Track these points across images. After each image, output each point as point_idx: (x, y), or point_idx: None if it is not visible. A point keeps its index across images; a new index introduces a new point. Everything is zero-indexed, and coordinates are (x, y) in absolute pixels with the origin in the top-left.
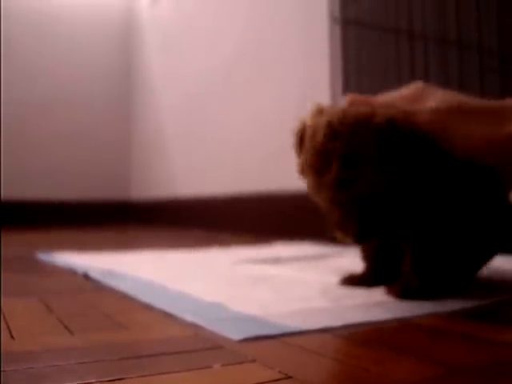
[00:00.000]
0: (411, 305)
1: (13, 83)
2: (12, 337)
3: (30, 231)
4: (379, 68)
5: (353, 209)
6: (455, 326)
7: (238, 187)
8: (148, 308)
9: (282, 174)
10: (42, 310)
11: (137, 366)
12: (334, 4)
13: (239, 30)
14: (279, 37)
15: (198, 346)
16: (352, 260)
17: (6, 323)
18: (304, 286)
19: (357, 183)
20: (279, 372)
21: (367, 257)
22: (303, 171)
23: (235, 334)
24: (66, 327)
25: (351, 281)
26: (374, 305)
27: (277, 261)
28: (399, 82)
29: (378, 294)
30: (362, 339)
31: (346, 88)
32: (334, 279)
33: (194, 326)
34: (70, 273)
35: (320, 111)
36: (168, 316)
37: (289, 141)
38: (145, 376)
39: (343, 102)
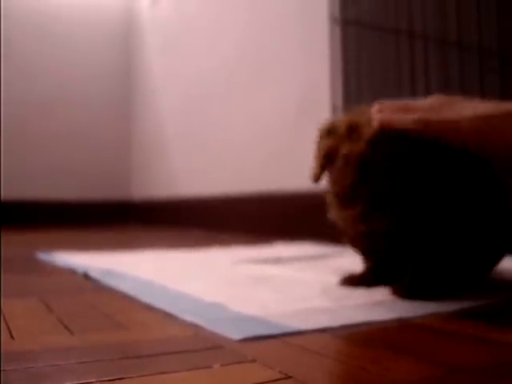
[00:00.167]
0: (412, 305)
1: (12, 83)
2: (12, 337)
3: (29, 231)
4: (379, 69)
5: (369, 236)
6: (456, 326)
7: (238, 187)
8: (148, 308)
9: (283, 174)
10: (42, 310)
11: (137, 366)
12: (333, 5)
13: (239, 30)
14: (279, 38)
15: (197, 345)
16: (352, 260)
17: (6, 323)
18: (304, 285)
19: (377, 221)
20: (279, 372)
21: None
22: (328, 190)
23: (235, 333)
24: (65, 327)
25: (351, 281)
26: (374, 305)
27: (277, 261)
28: (399, 83)
29: (377, 294)
30: (361, 339)
31: (346, 89)
32: (334, 279)
33: (194, 326)
34: (70, 273)
35: (353, 128)
36: (168, 316)
37: (288, 141)
38: (145, 376)
39: (367, 109)
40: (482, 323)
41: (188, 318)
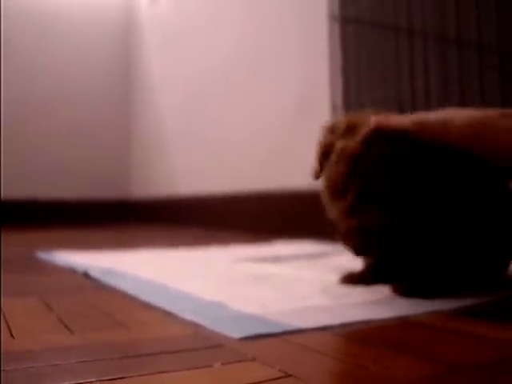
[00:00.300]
0: (411, 303)
1: (12, 82)
2: (12, 336)
3: (29, 230)
4: (378, 66)
5: (360, 232)
6: (456, 324)
7: (237, 186)
8: (148, 307)
9: (282, 172)
10: (42, 309)
11: (137, 365)
12: (333, 2)
13: (238, 28)
14: (278, 36)
15: (198, 344)
16: (351, 258)
17: (6, 322)
18: (304, 284)
19: (367, 215)
20: (279, 370)
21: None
22: (322, 185)
23: (235, 332)
24: (65, 326)
25: (351, 279)
26: (374, 303)
27: (277, 259)
28: (398, 81)
29: (377, 292)
30: (361, 337)
31: (346, 87)
32: (334, 277)
33: (194, 325)
34: (70, 272)
35: (351, 127)
36: (168, 315)
37: (287, 139)
38: (145, 375)
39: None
40: (482, 321)
41: (188, 316)
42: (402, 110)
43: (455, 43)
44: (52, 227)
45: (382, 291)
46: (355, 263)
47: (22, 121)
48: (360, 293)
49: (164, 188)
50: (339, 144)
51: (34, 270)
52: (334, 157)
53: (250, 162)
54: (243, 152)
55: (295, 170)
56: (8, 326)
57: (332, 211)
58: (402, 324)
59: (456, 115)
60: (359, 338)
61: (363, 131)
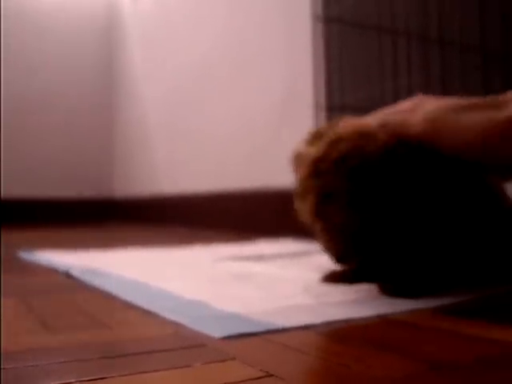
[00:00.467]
0: (393, 301)
1: None
2: None
3: (10, 230)
4: (362, 66)
5: (330, 235)
6: (438, 323)
7: (221, 184)
8: (130, 306)
9: (266, 170)
10: (23, 310)
11: (118, 365)
12: (316, 1)
13: (221, 24)
14: (262, 33)
15: (179, 344)
16: None
17: None
18: (286, 283)
19: (331, 216)
20: (260, 370)
21: None
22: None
23: (217, 331)
24: (46, 327)
25: (333, 278)
26: (356, 302)
27: (260, 258)
28: (382, 80)
29: (359, 291)
30: (343, 336)
31: (329, 86)
32: (317, 276)
33: (176, 324)
34: (52, 271)
35: (316, 137)
36: (150, 314)
37: (272, 137)
38: (125, 375)
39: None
40: (464, 319)
41: (169, 316)
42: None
43: (438, 43)
44: (34, 226)
45: (364, 290)
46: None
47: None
48: (342, 291)
49: (147, 186)
50: (304, 150)
51: (15, 269)
52: (297, 161)
53: (234, 160)
54: (227, 150)
55: (279, 168)
56: None
57: (300, 214)
58: (384, 322)
59: (417, 108)
60: (341, 337)
61: (327, 136)
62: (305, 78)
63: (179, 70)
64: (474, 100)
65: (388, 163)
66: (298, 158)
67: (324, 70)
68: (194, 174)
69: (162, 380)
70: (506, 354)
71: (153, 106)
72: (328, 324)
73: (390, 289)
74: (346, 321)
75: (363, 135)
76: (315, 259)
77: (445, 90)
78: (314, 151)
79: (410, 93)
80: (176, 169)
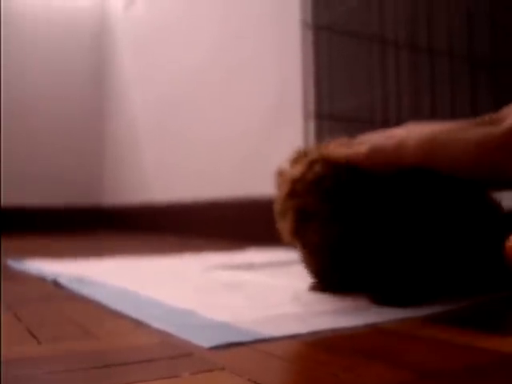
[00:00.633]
0: (382, 310)
1: None
2: None
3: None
4: (351, 73)
5: (309, 255)
6: (426, 331)
7: (212, 192)
8: (118, 316)
9: (257, 179)
10: (10, 319)
11: (104, 376)
12: (306, 10)
13: (213, 33)
14: (253, 39)
15: (166, 353)
16: None
17: None
18: (276, 292)
19: (308, 235)
20: (248, 380)
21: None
22: None
23: (205, 341)
24: (33, 336)
25: (322, 287)
26: (345, 311)
27: (250, 267)
28: (371, 88)
29: (348, 300)
30: (331, 345)
31: (319, 93)
32: (306, 285)
33: (164, 334)
34: (40, 280)
35: (301, 156)
36: (138, 324)
37: (263, 145)
38: None
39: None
40: (453, 327)
41: (158, 325)
42: (373, 119)
43: (426, 51)
44: (22, 235)
45: (353, 299)
46: None
47: None
48: (330, 301)
49: (138, 195)
50: (286, 168)
51: (3, 278)
52: (279, 180)
53: (226, 168)
54: (218, 157)
55: (269, 176)
56: None
57: (281, 233)
58: (372, 331)
59: (409, 134)
60: (329, 346)
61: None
62: (295, 85)
63: (170, 76)
64: (468, 121)
65: (361, 182)
66: (280, 176)
67: (313, 78)
68: (185, 181)
69: None
70: (493, 362)
71: (143, 111)
72: (316, 333)
73: (379, 298)
74: (335, 330)
75: (340, 158)
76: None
77: (433, 99)
78: (293, 171)
79: (398, 101)
80: (167, 176)
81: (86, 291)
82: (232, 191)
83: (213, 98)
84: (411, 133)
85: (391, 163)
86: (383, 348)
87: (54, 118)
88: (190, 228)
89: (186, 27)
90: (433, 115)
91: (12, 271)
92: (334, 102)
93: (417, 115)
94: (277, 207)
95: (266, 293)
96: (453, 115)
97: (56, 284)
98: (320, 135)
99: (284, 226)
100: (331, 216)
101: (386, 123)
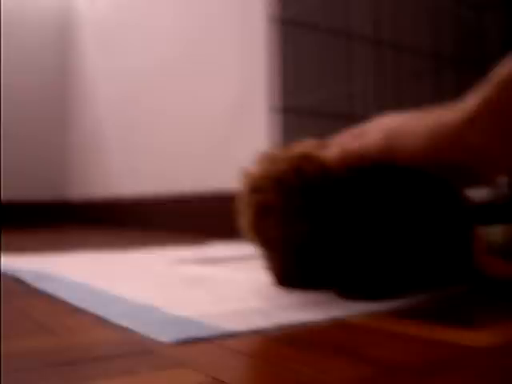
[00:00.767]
0: (346, 305)
1: None
2: None
3: None
4: (317, 68)
5: (269, 252)
6: (391, 325)
7: (177, 186)
8: (79, 312)
9: (221, 173)
10: None
11: (60, 374)
12: (271, 3)
13: (176, 27)
14: (218, 33)
15: (126, 350)
16: None
17: None
18: (239, 286)
19: (268, 230)
20: (209, 376)
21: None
22: None
23: (166, 336)
24: None
25: (286, 281)
26: (309, 305)
27: (213, 261)
28: (336, 83)
29: (312, 294)
30: (294, 340)
31: (284, 87)
32: (270, 279)
33: (125, 330)
34: (0, 276)
35: (266, 158)
36: (98, 320)
37: (227, 140)
38: None
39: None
40: (416, 321)
41: (118, 321)
42: (338, 113)
43: (392, 47)
44: None
45: (317, 293)
46: None
47: None
48: (295, 295)
49: (101, 189)
50: (251, 168)
51: None
52: (243, 179)
53: (190, 162)
54: (182, 152)
55: (232, 170)
56: None
57: (242, 229)
58: (336, 326)
59: (369, 130)
60: (293, 341)
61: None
62: (260, 79)
63: (135, 69)
64: (429, 109)
65: (327, 181)
66: (244, 176)
67: (279, 72)
68: (149, 175)
69: None
70: (454, 355)
71: (109, 105)
72: (280, 328)
73: (346, 292)
74: (298, 324)
75: (304, 157)
76: None
77: (399, 94)
78: (257, 168)
79: (364, 96)
80: (131, 170)
81: (47, 287)
82: (196, 185)
83: (177, 92)
84: (376, 127)
85: (359, 160)
86: (347, 342)
87: (17, 110)
88: (154, 222)
89: (150, 21)
90: (398, 110)
91: None
92: (300, 96)
93: (382, 110)
94: (239, 203)
95: (229, 287)
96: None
97: (16, 280)
98: (285, 129)
99: (245, 221)
100: (295, 213)
101: (351, 118)
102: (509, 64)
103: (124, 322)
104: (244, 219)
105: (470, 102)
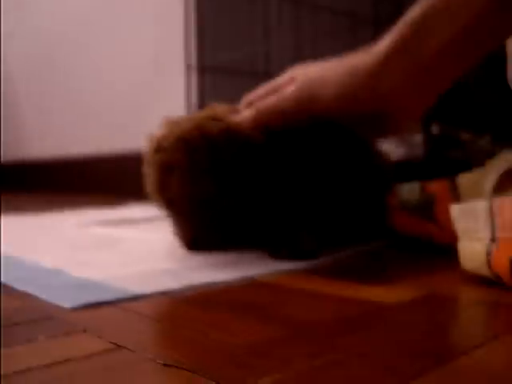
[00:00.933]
0: (259, 263)
1: None
2: None
3: None
4: (234, 26)
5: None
6: (302, 283)
7: (92, 147)
8: None
9: (137, 133)
10: None
11: None
12: None
13: None
14: None
15: (26, 317)
16: None
17: None
18: (150, 247)
19: (172, 189)
20: (110, 342)
21: None
22: None
23: (67, 301)
24: None
25: (198, 243)
26: (221, 265)
27: (127, 222)
28: (253, 42)
29: (225, 254)
30: (203, 301)
31: (201, 45)
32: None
33: (26, 296)
34: None
35: (171, 122)
36: (0, 287)
37: (144, 100)
38: None
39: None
40: (328, 279)
41: (20, 287)
42: (255, 71)
43: (309, 5)
44: None
45: (230, 252)
46: None
47: None
48: (208, 255)
49: (14, 151)
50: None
51: None
52: (148, 143)
53: (106, 123)
54: (98, 112)
55: (149, 130)
56: None
57: (148, 191)
58: (247, 285)
59: (283, 83)
60: (201, 302)
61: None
62: (177, 37)
63: (51, 27)
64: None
65: (233, 141)
66: (149, 138)
67: (195, 29)
68: (64, 136)
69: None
70: (365, 312)
71: (20, 64)
72: (188, 288)
73: (274, 252)
74: (209, 284)
75: (209, 117)
76: None
77: (315, 53)
78: (161, 130)
79: (281, 54)
80: (44, 131)
81: None
82: (112, 145)
83: (92, 52)
84: (290, 79)
85: (277, 117)
86: (257, 302)
87: None
88: (70, 184)
89: None
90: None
91: None
92: (217, 54)
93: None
94: (144, 165)
95: (140, 249)
96: None
97: None
98: (202, 89)
99: (149, 182)
100: (199, 172)
101: (268, 75)
102: (422, 4)
103: (24, 288)
104: (148, 180)
105: (384, 43)
